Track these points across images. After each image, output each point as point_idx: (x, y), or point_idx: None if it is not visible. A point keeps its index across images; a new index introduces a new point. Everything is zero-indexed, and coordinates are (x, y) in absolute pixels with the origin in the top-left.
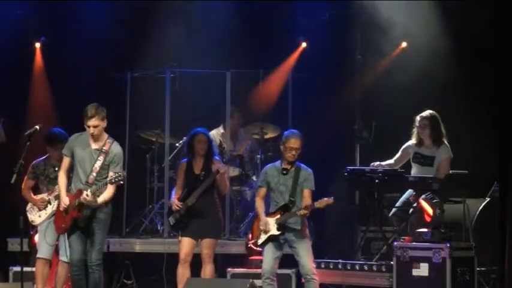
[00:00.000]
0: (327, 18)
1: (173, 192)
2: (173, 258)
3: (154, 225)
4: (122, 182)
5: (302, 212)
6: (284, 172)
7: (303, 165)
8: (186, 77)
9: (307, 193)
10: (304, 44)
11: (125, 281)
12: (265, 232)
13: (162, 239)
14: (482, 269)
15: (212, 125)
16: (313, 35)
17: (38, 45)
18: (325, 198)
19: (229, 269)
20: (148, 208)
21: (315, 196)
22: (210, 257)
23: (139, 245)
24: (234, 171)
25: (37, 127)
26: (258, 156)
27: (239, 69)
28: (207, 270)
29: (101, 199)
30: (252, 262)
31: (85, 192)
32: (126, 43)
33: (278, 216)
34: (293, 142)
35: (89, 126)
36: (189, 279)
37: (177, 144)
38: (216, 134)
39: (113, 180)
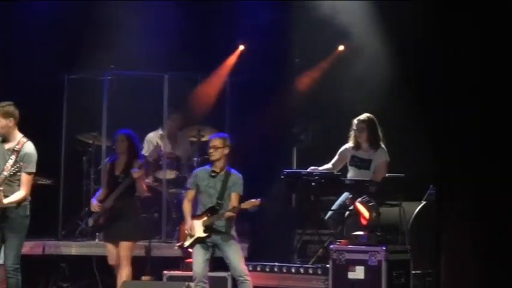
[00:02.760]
0: (265, 20)
1: (97, 193)
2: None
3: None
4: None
5: (228, 213)
6: (213, 175)
7: (233, 170)
8: (124, 80)
9: (234, 197)
10: (242, 47)
11: (61, 284)
12: (191, 235)
13: (98, 241)
14: (418, 272)
15: (150, 128)
16: (251, 37)
17: None
18: (252, 200)
19: (165, 272)
20: (85, 211)
21: (251, 198)
22: (127, 260)
23: (75, 248)
24: (170, 174)
25: None
26: (195, 159)
27: (177, 71)
28: (124, 273)
29: (8, 199)
30: (188, 265)
31: None
32: (64, 45)
33: (205, 218)
34: (211, 141)
35: None
36: (125, 282)
37: (114, 147)
38: (154, 136)
39: None
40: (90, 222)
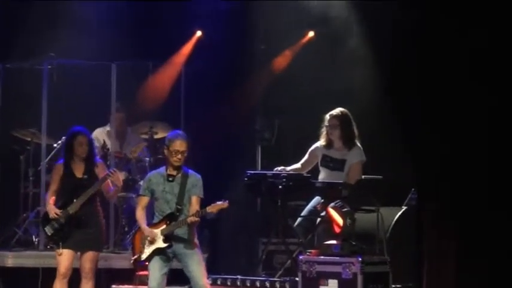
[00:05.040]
0: (225, 3)
1: (47, 198)
2: (50, 273)
3: (29, 236)
4: None
5: (191, 218)
6: (170, 179)
7: (190, 170)
8: (66, 70)
9: (195, 200)
10: (199, 33)
11: None
12: (150, 245)
13: (38, 251)
14: (398, 285)
15: (96, 124)
16: (209, 23)
17: None
18: (219, 202)
19: (113, 286)
20: (22, 217)
21: (205, 205)
22: (93, 272)
23: (11, 259)
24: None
25: None
26: (147, 159)
27: (126, 61)
28: (88, 287)
29: None
30: (142, 278)
31: None
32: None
33: (164, 226)
34: (178, 144)
35: None
36: None
37: (55, 145)
38: (100, 133)
39: None
40: (49, 230)
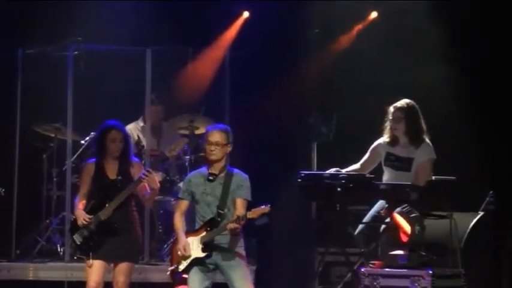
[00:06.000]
0: None
1: (76, 202)
2: None
3: (53, 245)
4: None
5: (231, 225)
6: (211, 178)
7: (236, 169)
8: (95, 56)
9: (240, 203)
10: (245, 14)
11: None
12: (187, 255)
13: (63, 263)
14: None
15: (128, 117)
16: (257, 3)
17: None
18: (261, 207)
19: None
20: (45, 223)
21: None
22: (127, 287)
23: (33, 271)
24: (156, 177)
25: None
26: (187, 157)
27: (162, 45)
28: None
29: None
30: None
31: None
32: (18, 13)
33: (204, 233)
34: (212, 135)
35: None
36: None
37: (82, 142)
38: (133, 128)
39: None
40: (78, 239)
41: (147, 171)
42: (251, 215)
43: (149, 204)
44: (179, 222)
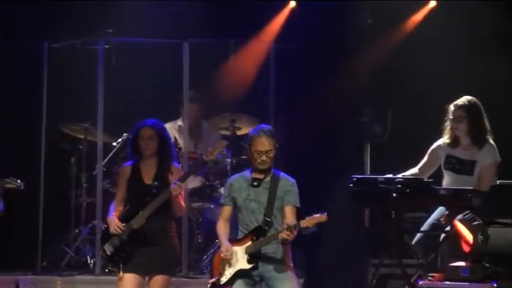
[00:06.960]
0: None
1: (111, 208)
2: None
3: (82, 256)
4: None
5: (283, 234)
6: (255, 183)
7: (282, 173)
8: (127, 50)
9: (289, 211)
10: (292, 4)
11: None
12: (231, 266)
13: (93, 276)
14: None
15: (164, 117)
16: None
17: None
18: (316, 215)
19: None
20: (74, 233)
21: (302, 216)
22: None
23: (61, 285)
24: (194, 182)
25: None
26: (228, 160)
27: (201, 38)
28: None
29: None
30: None
31: None
32: (44, 3)
33: (249, 243)
34: (261, 144)
35: None
36: None
37: (114, 144)
38: (170, 128)
39: None
40: (109, 249)
41: (177, 184)
42: (305, 223)
43: (178, 215)
44: (223, 228)
